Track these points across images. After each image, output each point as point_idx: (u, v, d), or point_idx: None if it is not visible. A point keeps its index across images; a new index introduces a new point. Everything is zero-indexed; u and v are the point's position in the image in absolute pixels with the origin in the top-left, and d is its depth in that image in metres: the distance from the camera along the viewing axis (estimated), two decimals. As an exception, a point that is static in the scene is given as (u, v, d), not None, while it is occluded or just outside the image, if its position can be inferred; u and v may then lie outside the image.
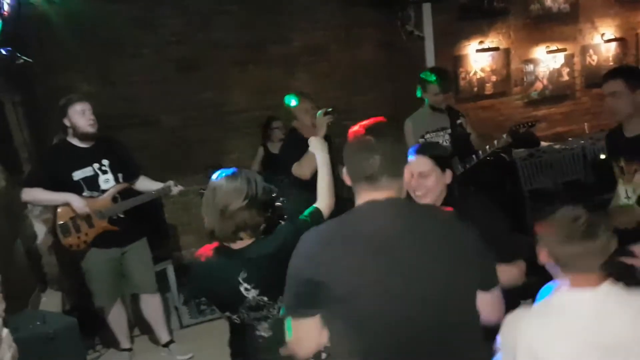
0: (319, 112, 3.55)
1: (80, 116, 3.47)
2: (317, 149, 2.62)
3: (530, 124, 3.99)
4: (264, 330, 2.14)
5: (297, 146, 3.66)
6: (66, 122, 3.49)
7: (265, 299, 2.07)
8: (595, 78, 6.69)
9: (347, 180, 1.66)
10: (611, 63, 6.72)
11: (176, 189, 3.76)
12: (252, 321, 2.13)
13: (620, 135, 2.82)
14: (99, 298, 3.76)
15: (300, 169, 3.59)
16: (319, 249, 1.54)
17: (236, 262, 2.07)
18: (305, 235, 1.62)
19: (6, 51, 3.19)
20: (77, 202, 3.44)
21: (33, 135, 4.25)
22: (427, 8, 5.81)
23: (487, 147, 3.91)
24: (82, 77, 5.04)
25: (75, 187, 3.48)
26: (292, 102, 3.86)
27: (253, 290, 2.05)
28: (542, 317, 1.61)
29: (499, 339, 1.67)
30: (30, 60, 3.51)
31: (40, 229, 4.23)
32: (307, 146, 3.61)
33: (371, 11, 5.86)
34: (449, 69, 6.02)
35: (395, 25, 5.87)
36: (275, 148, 5.15)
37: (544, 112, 6.64)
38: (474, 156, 3.93)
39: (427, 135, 4.07)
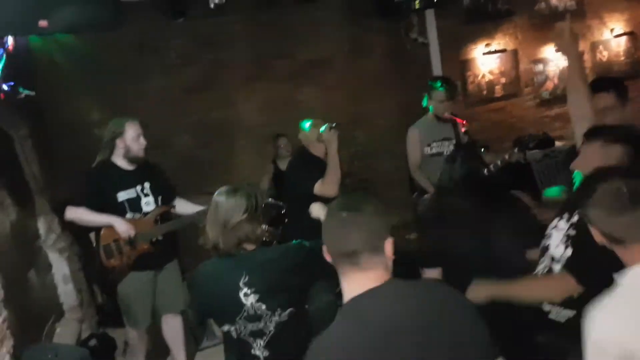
0: (323, 127, 3.53)
1: (136, 140, 3.54)
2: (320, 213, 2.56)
3: (542, 137, 3.87)
4: (259, 349, 2.15)
5: (310, 163, 3.63)
6: (119, 142, 3.52)
7: (264, 307, 2.11)
8: (607, 74, 6.57)
9: (327, 257, 1.58)
10: (622, 58, 6.62)
11: None
12: (249, 337, 2.15)
13: None
14: (131, 322, 3.74)
15: (325, 187, 3.47)
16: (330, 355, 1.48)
17: (238, 265, 2.14)
18: (316, 345, 1.55)
19: (8, 86, 3.24)
20: (122, 226, 3.45)
21: (43, 166, 4.29)
22: (430, 14, 5.79)
23: (499, 161, 3.81)
24: (91, 105, 5.09)
25: (119, 208, 3.51)
26: (306, 125, 3.80)
27: (252, 296, 2.11)
28: (624, 307, 1.46)
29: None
30: (32, 93, 3.54)
31: (55, 259, 4.25)
32: (317, 162, 3.60)
33: (374, 21, 5.84)
34: (456, 73, 6.00)
35: (400, 33, 5.85)
36: (283, 164, 5.12)
37: (557, 111, 6.53)
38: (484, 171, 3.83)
39: (433, 144, 4.02)
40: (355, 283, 1.51)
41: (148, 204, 3.60)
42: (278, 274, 2.13)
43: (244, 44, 5.56)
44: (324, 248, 1.58)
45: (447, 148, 4.02)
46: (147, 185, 3.60)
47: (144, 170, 3.62)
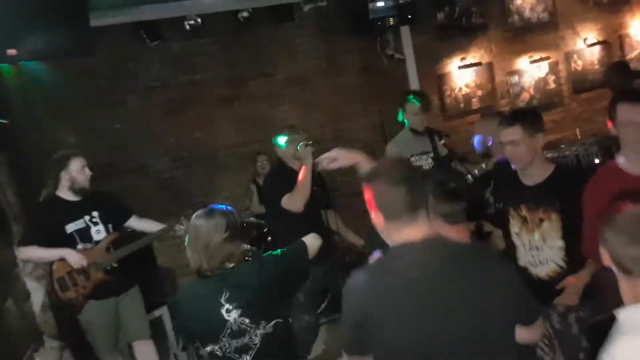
0: (300, 144, 3.55)
1: (81, 172, 3.59)
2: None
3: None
4: None
5: (283, 177, 3.64)
6: (64, 175, 3.57)
7: (247, 320, 2.13)
8: (583, 83, 6.71)
9: (379, 221, 1.66)
10: (597, 66, 6.72)
11: (182, 230, 3.74)
12: (234, 354, 2.16)
13: (517, 182, 2.65)
14: (100, 350, 3.74)
15: (291, 201, 3.51)
16: (364, 296, 1.61)
17: (217, 283, 2.15)
18: (350, 282, 1.67)
19: (-20, 116, 3.22)
20: (73, 257, 3.48)
21: (20, 193, 4.25)
22: (405, 30, 5.87)
23: (476, 171, 3.84)
24: (67, 129, 5.06)
25: (69, 240, 3.53)
26: (281, 140, 3.80)
27: (234, 311, 2.12)
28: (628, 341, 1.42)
29: None
30: (5, 121, 3.54)
31: (33, 287, 4.20)
32: (294, 177, 3.60)
33: (351, 38, 5.90)
34: (433, 88, 6.07)
35: (376, 50, 5.91)
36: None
37: (534, 122, 6.60)
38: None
39: (412, 159, 4.05)
40: (406, 235, 1.61)
41: (99, 232, 3.64)
42: (258, 287, 2.15)
43: (221, 64, 5.59)
44: (377, 212, 1.65)
45: (426, 161, 4.05)
46: (95, 214, 3.64)
47: (92, 199, 3.66)
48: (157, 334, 3.99)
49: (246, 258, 2.22)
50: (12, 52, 2.81)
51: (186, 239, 2.24)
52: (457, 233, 2.11)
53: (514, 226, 2.66)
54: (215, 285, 2.15)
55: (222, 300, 2.12)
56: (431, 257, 1.58)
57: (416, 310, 1.53)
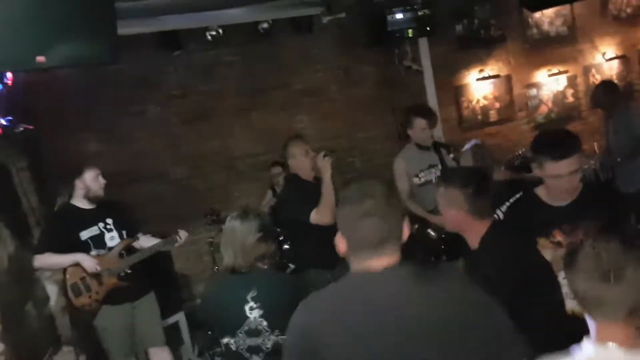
0: (320, 154, 3.56)
1: (95, 180, 3.65)
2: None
3: (522, 154, 3.89)
4: None
5: (301, 191, 3.65)
6: (79, 183, 3.63)
7: (265, 323, 2.23)
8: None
9: (342, 247, 1.55)
10: (615, 81, 6.67)
11: (183, 235, 3.83)
12: (246, 352, 2.26)
13: (542, 206, 2.37)
14: (115, 356, 3.75)
15: (320, 216, 3.45)
16: (317, 320, 1.51)
17: (248, 280, 2.30)
18: (302, 306, 1.58)
19: (7, 121, 3.30)
20: (87, 262, 3.53)
21: (42, 198, 4.32)
22: (423, 42, 5.88)
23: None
24: (89, 137, 5.15)
25: (84, 247, 3.58)
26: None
27: (257, 310, 2.24)
28: None
29: None
30: (31, 127, 3.61)
31: (53, 291, 4.25)
32: (308, 188, 3.61)
33: (368, 50, 5.93)
34: (451, 99, 6.08)
35: (393, 61, 5.94)
36: (281, 192, 5.15)
37: (552, 135, 6.58)
38: None
39: (421, 174, 4.02)
40: (368, 265, 1.51)
41: (113, 238, 3.68)
42: (284, 297, 2.23)
43: (240, 74, 5.65)
44: (340, 239, 1.55)
45: (434, 175, 4.01)
46: (109, 221, 3.70)
47: (104, 207, 3.72)
48: (172, 340, 4.01)
49: (277, 258, 2.38)
50: (41, 59, 2.85)
51: (221, 239, 2.43)
52: (483, 228, 2.09)
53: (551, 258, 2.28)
54: (245, 281, 2.28)
55: (249, 297, 2.24)
56: (391, 287, 1.47)
57: (374, 339, 1.43)
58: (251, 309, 2.24)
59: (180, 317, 4.66)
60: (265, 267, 2.36)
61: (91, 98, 5.00)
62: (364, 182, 1.61)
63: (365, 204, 1.49)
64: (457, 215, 2.13)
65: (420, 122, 3.97)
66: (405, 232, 1.55)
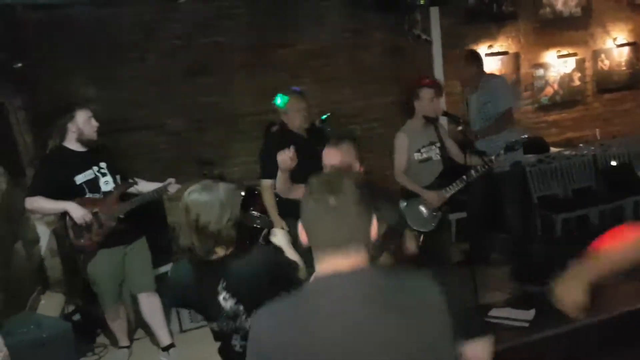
0: (317, 121, 3.50)
1: (87, 123, 3.56)
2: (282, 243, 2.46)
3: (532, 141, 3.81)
4: (238, 342, 2.17)
5: (281, 143, 3.22)
6: (71, 126, 3.54)
7: (241, 307, 2.11)
8: (608, 83, 6.62)
9: (304, 239, 1.44)
10: (623, 68, 6.62)
11: (174, 187, 3.79)
12: (231, 332, 2.18)
13: None
14: (105, 299, 3.78)
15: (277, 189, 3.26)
16: (275, 331, 1.39)
17: (215, 271, 2.09)
18: (259, 316, 1.45)
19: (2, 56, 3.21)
20: (77, 212, 3.46)
21: (36, 138, 4.27)
22: (434, 12, 5.77)
23: (475, 170, 3.79)
24: (86, 80, 5.02)
25: (78, 191, 3.53)
26: (278, 100, 3.79)
27: (230, 300, 2.10)
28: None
29: None
30: (26, 64, 3.52)
31: (43, 232, 4.25)
32: (294, 143, 3.26)
33: (378, 15, 5.80)
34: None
35: (403, 29, 5.82)
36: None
37: (555, 118, 6.55)
38: (464, 177, 3.78)
39: (423, 149, 3.95)
40: (333, 265, 1.39)
41: (107, 183, 3.64)
42: (253, 285, 2.06)
43: (245, 29, 5.52)
44: (303, 234, 1.44)
45: (434, 152, 3.96)
46: (103, 165, 3.64)
47: (97, 151, 3.65)
48: (161, 290, 4.01)
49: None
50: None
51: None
52: None
53: None
54: (212, 273, 2.08)
55: (219, 288, 2.09)
56: (358, 292, 1.35)
57: (342, 348, 1.33)
58: (224, 299, 2.10)
59: (169, 268, 4.65)
60: (225, 252, 2.08)
61: (89, 40, 4.88)
62: (333, 174, 1.53)
63: (330, 199, 1.37)
64: None
65: (427, 92, 3.89)
66: (373, 233, 1.43)
